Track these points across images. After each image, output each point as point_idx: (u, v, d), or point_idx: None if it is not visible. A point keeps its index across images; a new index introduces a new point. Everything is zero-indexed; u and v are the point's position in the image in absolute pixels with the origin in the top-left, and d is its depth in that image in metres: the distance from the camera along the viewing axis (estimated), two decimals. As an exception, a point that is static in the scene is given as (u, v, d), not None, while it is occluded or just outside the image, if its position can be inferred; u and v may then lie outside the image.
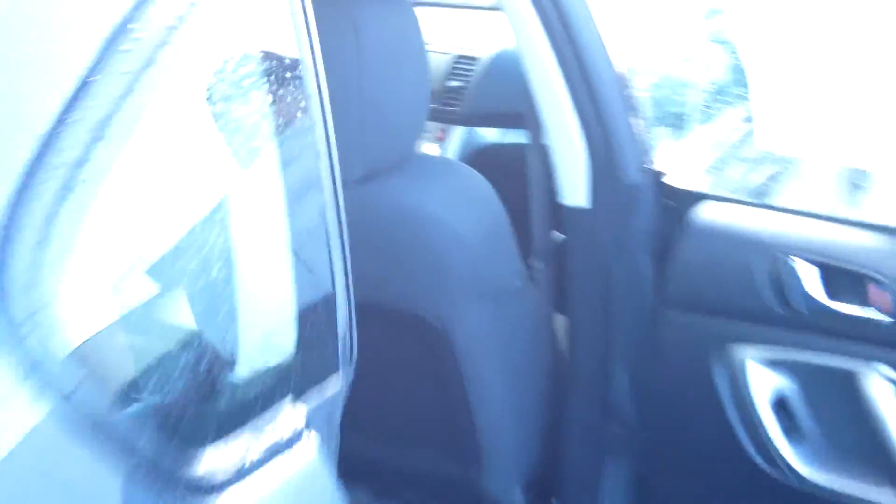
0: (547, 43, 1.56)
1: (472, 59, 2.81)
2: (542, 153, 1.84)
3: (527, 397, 1.88)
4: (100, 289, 0.71)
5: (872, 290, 1.41)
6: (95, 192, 0.69)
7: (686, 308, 1.62)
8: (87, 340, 0.69)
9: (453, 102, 2.60)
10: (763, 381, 1.53)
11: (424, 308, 1.63)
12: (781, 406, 1.56)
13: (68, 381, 0.66)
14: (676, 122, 1.82)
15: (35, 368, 0.64)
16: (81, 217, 0.68)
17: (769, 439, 1.55)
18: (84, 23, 0.70)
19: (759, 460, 1.57)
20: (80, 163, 0.67)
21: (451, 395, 1.73)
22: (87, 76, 0.68)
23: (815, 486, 1.52)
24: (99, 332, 0.70)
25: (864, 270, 1.44)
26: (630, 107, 1.63)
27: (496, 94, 2.75)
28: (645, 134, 1.65)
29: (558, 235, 1.86)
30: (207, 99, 0.82)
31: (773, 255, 1.51)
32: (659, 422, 1.73)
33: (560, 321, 1.89)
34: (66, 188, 0.66)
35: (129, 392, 0.72)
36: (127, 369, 0.73)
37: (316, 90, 0.90)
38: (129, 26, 0.71)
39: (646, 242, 1.68)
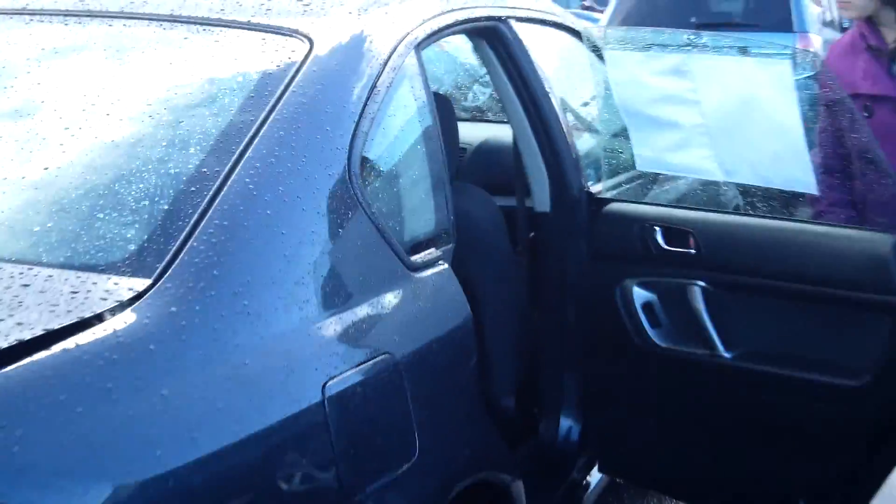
0: (526, 122, 2.69)
1: (462, 148, 3.84)
2: (523, 193, 2.97)
3: (518, 332, 2.79)
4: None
5: (690, 239, 2.56)
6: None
7: (602, 259, 2.64)
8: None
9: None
10: (640, 295, 2.61)
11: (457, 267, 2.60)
12: (649, 308, 2.60)
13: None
14: (595, 163, 3.07)
15: None
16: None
17: (642, 327, 2.57)
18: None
19: (637, 340, 2.56)
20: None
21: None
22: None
23: (667, 349, 2.55)
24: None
25: (685, 228, 2.51)
26: (573, 155, 2.74)
27: (479, 172, 3.73)
28: (581, 169, 2.78)
29: (531, 234, 2.95)
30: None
31: (642, 226, 2.57)
32: (591, 333, 2.71)
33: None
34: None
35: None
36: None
37: (437, 129, 2.18)
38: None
39: (582, 229, 2.69)
